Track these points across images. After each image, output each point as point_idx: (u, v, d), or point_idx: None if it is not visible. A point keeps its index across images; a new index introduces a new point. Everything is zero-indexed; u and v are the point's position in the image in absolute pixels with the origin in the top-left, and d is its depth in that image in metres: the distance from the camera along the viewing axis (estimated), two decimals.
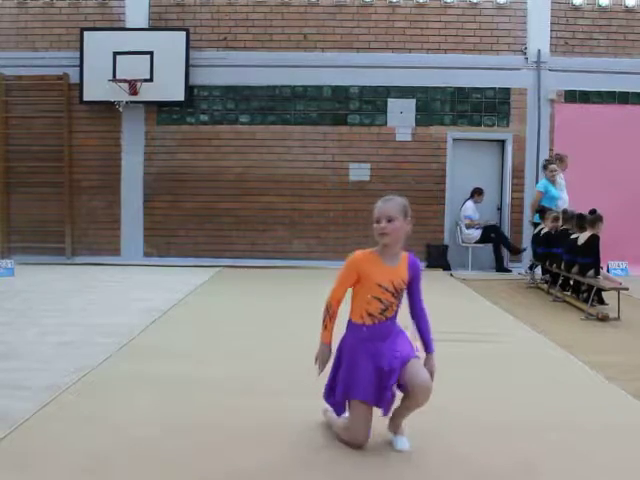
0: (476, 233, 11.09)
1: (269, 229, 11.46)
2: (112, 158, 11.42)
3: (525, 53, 11.24)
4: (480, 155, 11.65)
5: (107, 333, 5.78)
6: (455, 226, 11.41)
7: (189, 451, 3.21)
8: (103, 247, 11.48)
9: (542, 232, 9.04)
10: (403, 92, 11.33)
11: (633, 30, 11.30)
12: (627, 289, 7.08)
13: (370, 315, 3.25)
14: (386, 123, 11.34)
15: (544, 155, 11.01)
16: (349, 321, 3.33)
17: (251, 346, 5.42)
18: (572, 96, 11.33)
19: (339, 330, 3.36)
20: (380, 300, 3.23)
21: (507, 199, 11.48)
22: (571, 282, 8.25)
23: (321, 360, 3.34)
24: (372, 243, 3.33)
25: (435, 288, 8.91)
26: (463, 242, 11.19)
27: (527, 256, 10.54)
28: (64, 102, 11.26)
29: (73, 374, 4.44)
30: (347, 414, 3.34)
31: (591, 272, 7.39)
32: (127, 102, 11.02)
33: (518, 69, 11.29)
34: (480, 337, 5.80)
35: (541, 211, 9.32)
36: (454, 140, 11.41)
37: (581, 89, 11.30)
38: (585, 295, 7.61)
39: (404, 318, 3.38)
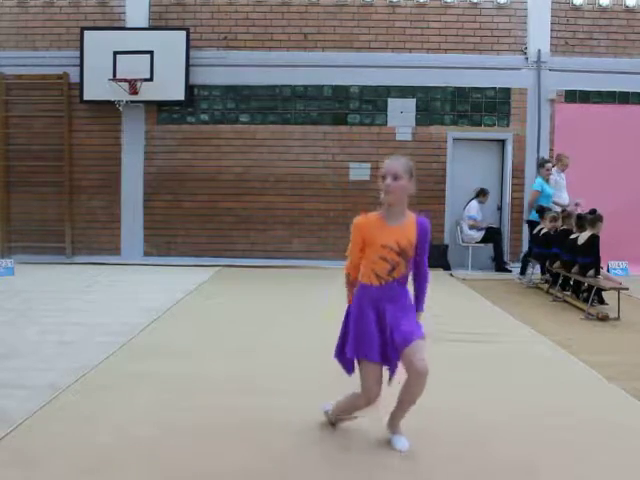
0: (477, 234, 11.08)
1: (269, 228, 11.46)
2: (112, 157, 11.41)
3: (525, 53, 11.24)
4: (480, 155, 11.64)
5: (107, 332, 5.78)
6: (455, 226, 11.41)
7: (189, 451, 3.21)
8: (103, 247, 11.48)
9: (541, 232, 9.04)
10: (403, 92, 11.32)
11: (633, 30, 11.29)
12: (627, 289, 7.09)
13: (377, 276, 3.27)
14: (386, 123, 11.34)
15: (544, 155, 11.01)
16: (359, 283, 3.35)
17: (251, 346, 5.42)
18: (572, 96, 11.32)
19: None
20: (386, 260, 3.25)
21: (507, 199, 11.48)
22: (571, 282, 8.25)
23: None
24: None
25: (435, 288, 8.87)
26: (463, 242, 11.18)
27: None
28: (64, 101, 11.25)
29: (73, 373, 4.44)
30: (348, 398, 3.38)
31: (591, 272, 7.40)
32: (127, 101, 11.01)
33: (518, 69, 11.29)
34: (480, 337, 5.81)
35: (540, 211, 9.32)
36: (454, 140, 11.40)
37: (581, 89, 11.30)
38: (585, 295, 7.62)
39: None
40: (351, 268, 3.38)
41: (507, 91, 11.32)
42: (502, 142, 11.56)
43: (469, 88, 11.29)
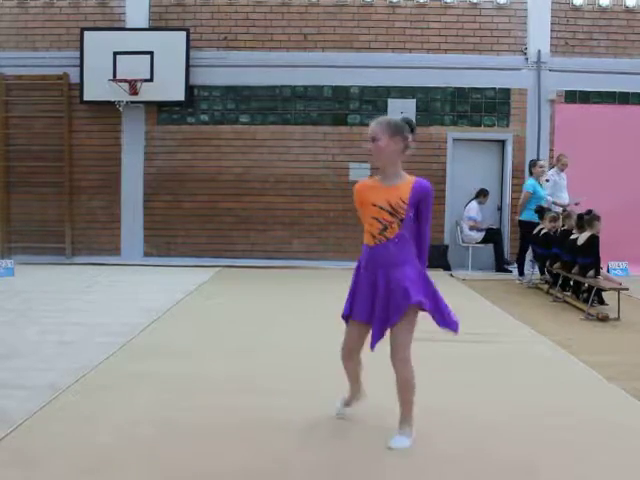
0: (478, 235, 11.08)
1: (269, 229, 11.46)
2: (112, 158, 11.41)
3: (525, 53, 11.24)
4: (480, 155, 11.64)
5: (107, 333, 5.78)
6: (455, 226, 11.41)
7: (189, 451, 3.21)
8: (103, 247, 11.47)
9: (541, 232, 9.04)
10: (403, 92, 11.32)
11: (633, 30, 11.29)
12: (627, 289, 7.09)
13: (372, 236, 3.33)
14: None
15: (544, 155, 11.01)
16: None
17: (251, 346, 5.42)
18: (572, 96, 11.32)
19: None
20: (378, 220, 3.29)
21: (507, 199, 11.48)
22: (571, 282, 8.25)
23: None
24: None
25: None
26: (463, 242, 11.18)
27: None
28: (64, 102, 11.25)
29: (73, 374, 4.44)
30: None
31: (591, 272, 7.40)
32: (127, 102, 11.01)
33: (518, 69, 11.29)
34: (480, 337, 5.80)
35: (540, 211, 9.32)
36: (454, 140, 11.40)
37: (581, 89, 11.30)
38: (585, 295, 7.62)
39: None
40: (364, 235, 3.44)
41: (507, 91, 11.33)
42: (502, 142, 11.56)
43: (469, 88, 11.29)
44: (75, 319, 6.43)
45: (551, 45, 11.22)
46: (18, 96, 11.34)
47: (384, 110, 11.29)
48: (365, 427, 3.55)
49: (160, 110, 11.40)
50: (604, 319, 6.83)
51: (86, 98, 11.13)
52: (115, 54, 10.89)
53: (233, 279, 9.78)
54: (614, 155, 11.00)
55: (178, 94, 11.10)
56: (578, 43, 11.27)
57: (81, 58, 11.04)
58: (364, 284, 3.33)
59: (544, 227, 9.02)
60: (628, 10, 11.25)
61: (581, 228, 7.73)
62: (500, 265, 10.98)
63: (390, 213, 3.27)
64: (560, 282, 8.32)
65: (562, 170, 10.08)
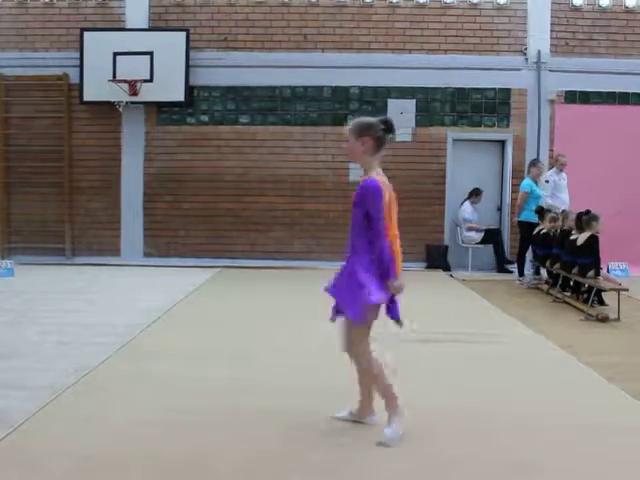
0: (477, 235, 11.08)
1: (269, 229, 11.46)
2: (112, 158, 11.41)
3: (525, 54, 11.24)
4: (480, 156, 11.64)
5: (107, 333, 5.78)
6: (455, 226, 11.40)
7: (189, 451, 3.21)
8: (103, 247, 11.47)
9: (541, 233, 9.04)
10: (403, 93, 11.32)
11: (633, 31, 11.29)
12: (627, 290, 7.10)
13: None
14: None
15: (544, 156, 11.01)
16: None
17: (251, 346, 5.42)
18: (572, 97, 11.32)
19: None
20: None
21: (507, 199, 11.47)
22: (571, 283, 8.25)
23: None
24: None
25: (435, 289, 8.92)
26: (463, 243, 11.18)
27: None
28: (64, 102, 11.25)
29: (73, 374, 4.44)
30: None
31: (591, 273, 7.39)
32: (127, 102, 11.01)
33: (518, 70, 11.29)
34: (480, 338, 5.80)
35: (540, 212, 9.32)
36: (454, 141, 11.40)
37: (581, 90, 11.29)
38: (585, 296, 7.61)
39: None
40: None
41: (507, 92, 11.33)
42: (502, 143, 11.56)
43: (469, 89, 11.29)
44: (75, 320, 6.43)
45: (551, 45, 11.22)
46: (18, 96, 11.34)
47: (384, 111, 11.28)
48: (366, 427, 3.54)
49: (160, 111, 11.40)
50: (604, 320, 6.83)
51: (86, 99, 11.13)
52: (115, 54, 10.88)
53: (233, 280, 9.78)
54: (614, 155, 11.01)
55: (178, 94, 11.10)
56: (578, 43, 11.27)
57: (81, 58, 11.04)
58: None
59: (544, 227, 9.02)
60: (628, 10, 11.25)
61: (580, 228, 7.73)
62: (501, 265, 10.97)
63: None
64: (560, 282, 8.32)
65: (561, 170, 10.06)
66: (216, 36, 11.34)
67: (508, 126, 11.37)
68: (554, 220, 8.82)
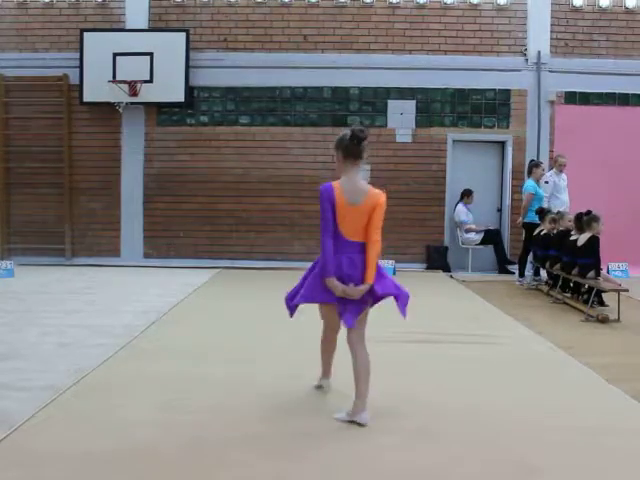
0: (477, 236, 11.08)
1: (269, 230, 11.45)
2: (112, 159, 11.41)
3: (525, 54, 11.24)
4: (480, 156, 11.64)
5: (107, 334, 5.78)
6: (455, 227, 11.40)
7: (189, 451, 3.20)
8: (103, 248, 11.47)
9: (541, 234, 9.03)
10: (403, 93, 11.33)
11: (633, 31, 11.29)
12: (627, 291, 7.10)
13: None
14: (386, 124, 11.34)
15: (544, 157, 11.01)
16: None
17: (251, 347, 5.42)
18: (572, 97, 11.32)
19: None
20: None
21: (507, 201, 11.47)
22: (571, 284, 8.24)
23: None
24: None
25: (435, 289, 8.91)
26: (463, 243, 11.18)
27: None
28: (64, 103, 11.25)
29: (73, 375, 4.44)
30: None
31: (591, 273, 7.39)
32: (127, 103, 11.02)
33: (518, 70, 11.29)
34: (480, 339, 5.80)
35: (540, 212, 9.32)
36: (454, 141, 11.41)
37: (581, 90, 11.30)
38: (585, 297, 7.61)
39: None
40: None
41: (507, 92, 11.33)
42: (502, 144, 11.56)
43: (469, 89, 11.30)
44: (75, 320, 6.42)
45: (551, 46, 11.23)
46: (18, 97, 11.34)
47: (384, 111, 11.31)
48: (366, 428, 3.54)
49: (160, 111, 11.40)
50: (604, 320, 6.83)
51: (86, 99, 11.13)
52: (115, 55, 10.89)
53: (233, 280, 9.78)
54: (614, 156, 11.00)
55: (178, 95, 11.10)
56: (578, 44, 11.28)
57: (81, 59, 11.05)
58: None
59: (544, 228, 9.01)
60: (628, 11, 11.26)
61: (580, 229, 7.73)
62: (503, 266, 10.96)
63: None
64: (560, 283, 8.31)
65: (561, 171, 10.05)
66: (216, 37, 11.35)
67: (508, 127, 11.37)
68: (554, 221, 8.81)
